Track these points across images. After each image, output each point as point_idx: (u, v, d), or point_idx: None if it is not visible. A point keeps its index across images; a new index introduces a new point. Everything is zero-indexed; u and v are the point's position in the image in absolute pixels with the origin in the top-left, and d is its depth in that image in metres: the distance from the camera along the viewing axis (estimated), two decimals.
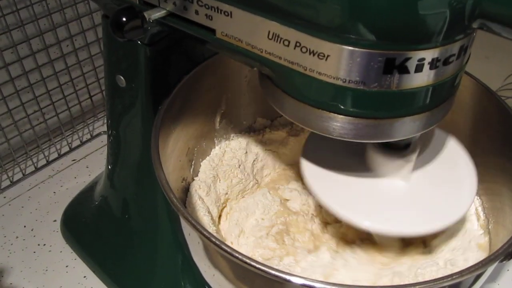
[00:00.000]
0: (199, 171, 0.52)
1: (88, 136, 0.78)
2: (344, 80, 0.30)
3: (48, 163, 0.74)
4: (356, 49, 0.28)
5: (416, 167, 0.42)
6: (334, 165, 0.43)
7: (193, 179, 0.51)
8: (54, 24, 0.69)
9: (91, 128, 0.79)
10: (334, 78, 0.30)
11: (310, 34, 0.29)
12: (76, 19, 0.71)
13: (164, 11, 0.36)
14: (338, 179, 0.43)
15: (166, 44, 0.46)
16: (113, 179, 0.56)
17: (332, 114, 0.32)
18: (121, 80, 0.47)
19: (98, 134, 0.78)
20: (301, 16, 0.29)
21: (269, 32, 0.31)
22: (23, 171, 0.72)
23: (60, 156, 0.75)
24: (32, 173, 0.72)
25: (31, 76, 0.68)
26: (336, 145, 0.43)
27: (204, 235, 0.35)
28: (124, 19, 0.34)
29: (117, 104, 0.50)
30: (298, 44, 0.30)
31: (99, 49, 0.75)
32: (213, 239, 0.34)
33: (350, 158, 0.44)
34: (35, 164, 0.73)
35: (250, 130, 0.59)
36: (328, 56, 0.29)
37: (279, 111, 0.35)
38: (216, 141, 0.55)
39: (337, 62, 0.29)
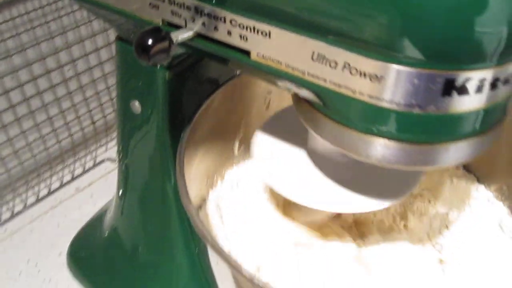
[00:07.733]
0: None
1: (91, 164, 0.75)
2: (398, 104, 0.27)
3: (50, 193, 0.70)
4: (413, 70, 0.26)
5: None
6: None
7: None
8: (56, 48, 0.66)
9: (94, 155, 0.75)
10: (387, 102, 0.27)
11: (361, 54, 0.27)
12: (78, 43, 0.69)
13: (192, 32, 0.34)
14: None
15: (183, 67, 0.44)
16: (123, 208, 0.53)
17: (381, 140, 0.29)
18: (136, 106, 0.45)
19: (102, 161, 0.75)
20: (352, 35, 0.26)
21: (313, 52, 0.28)
22: (24, 202, 0.68)
23: (62, 185, 0.71)
24: (34, 204, 0.69)
25: (32, 102, 0.65)
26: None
27: (237, 269, 0.32)
28: (150, 41, 0.32)
29: (131, 130, 0.47)
30: (347, 65, 0.27)
31: (101, 73, 0.73)
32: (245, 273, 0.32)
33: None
34: (37, 195, 0.69)
35: None
36: (381, 77, 0.27)
37: (321, 136, 0.32)
38: (235, 168, 0.52)
39: (392, 84, 0.27)
